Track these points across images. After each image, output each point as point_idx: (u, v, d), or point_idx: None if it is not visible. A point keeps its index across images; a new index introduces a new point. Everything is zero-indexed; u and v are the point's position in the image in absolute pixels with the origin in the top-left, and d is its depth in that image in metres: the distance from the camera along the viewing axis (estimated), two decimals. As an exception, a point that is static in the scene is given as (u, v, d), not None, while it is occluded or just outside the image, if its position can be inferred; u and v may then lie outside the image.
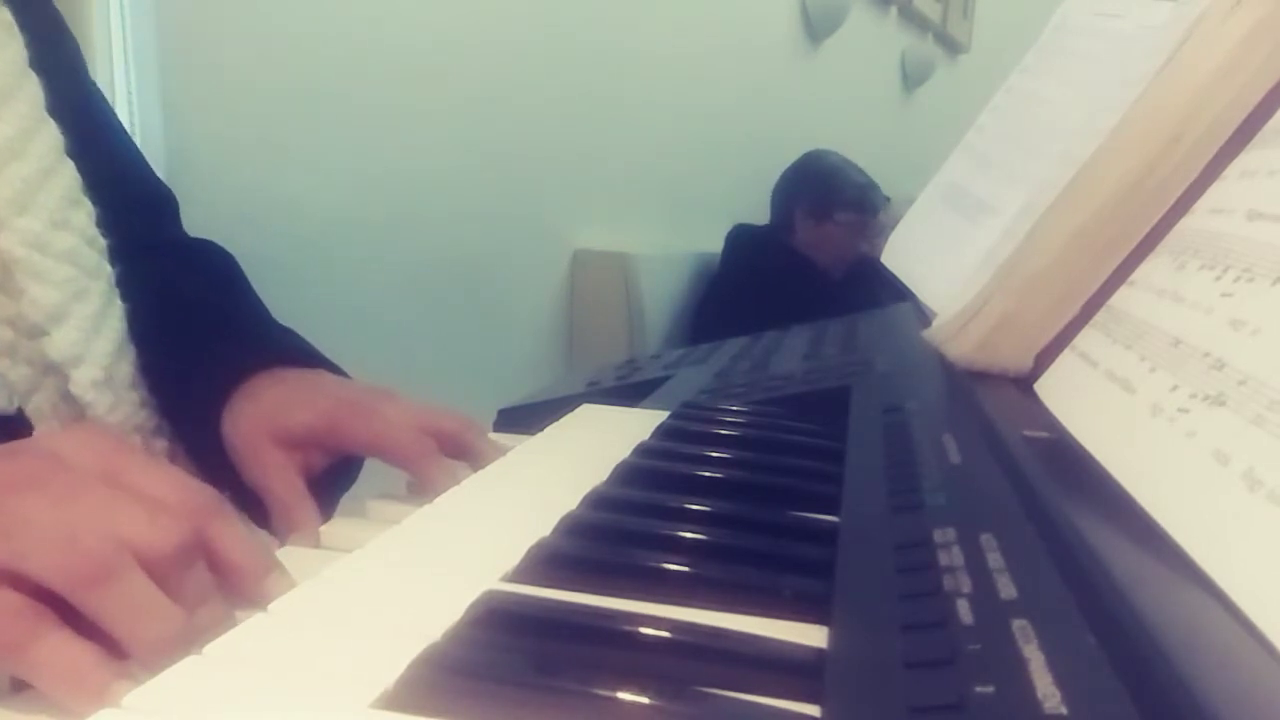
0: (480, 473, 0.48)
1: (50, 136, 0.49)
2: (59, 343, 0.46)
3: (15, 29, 0.49)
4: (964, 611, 0.27)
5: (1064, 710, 0.22)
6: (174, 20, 1.09)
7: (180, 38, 1.10)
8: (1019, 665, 0.24)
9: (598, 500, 0.42)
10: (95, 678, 0.28)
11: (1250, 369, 0.30)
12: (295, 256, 1.25)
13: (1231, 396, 0.30)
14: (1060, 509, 0.32)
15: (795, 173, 2.18)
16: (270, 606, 0.31)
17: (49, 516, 0.30)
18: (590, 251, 1.85)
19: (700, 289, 2.08)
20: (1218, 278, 0.36)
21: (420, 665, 0.27)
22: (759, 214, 2.19)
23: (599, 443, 0.51)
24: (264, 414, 0.51)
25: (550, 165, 1.74)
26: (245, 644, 0.29)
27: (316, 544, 0.44)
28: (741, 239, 2.11)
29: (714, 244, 2.11)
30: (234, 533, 0.34)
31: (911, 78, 3.28)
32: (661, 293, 1.95)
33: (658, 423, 0.55)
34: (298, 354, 0.55)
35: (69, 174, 0.49)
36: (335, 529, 0.45)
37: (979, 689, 0.23)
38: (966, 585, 0.29)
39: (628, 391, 0.68)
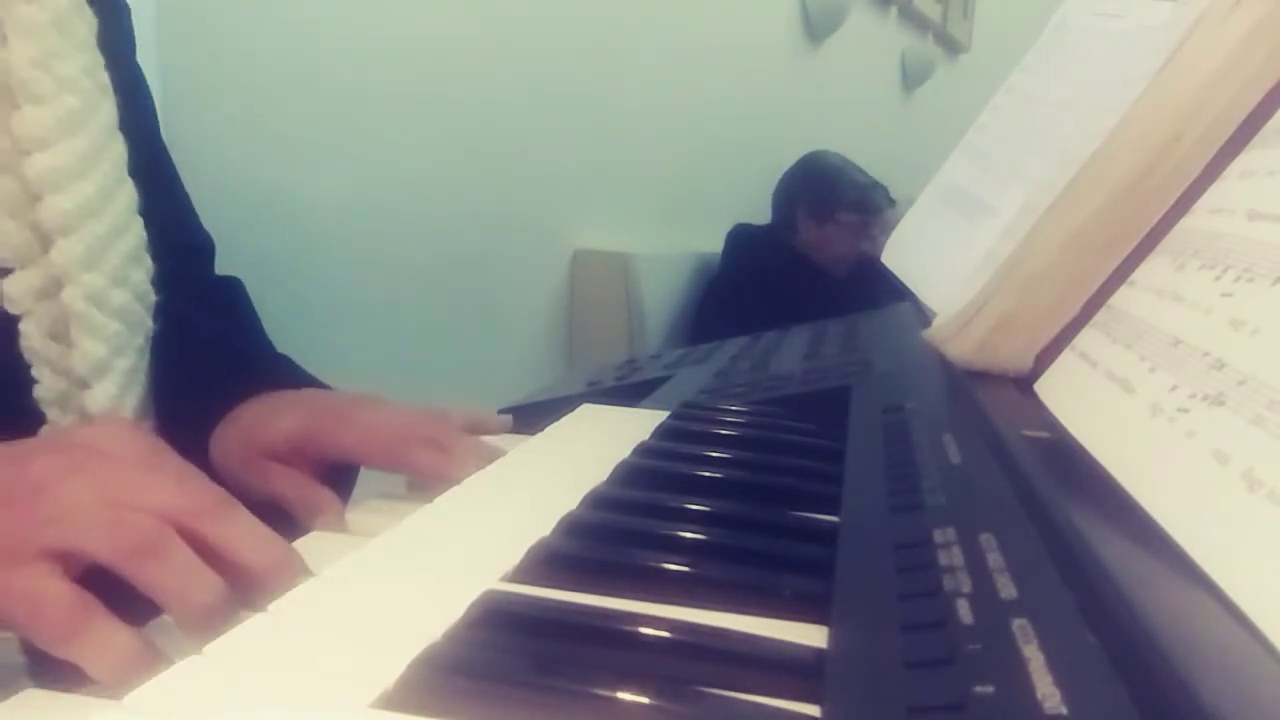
0: (480, 473, 0.48)
1: (128, 196, 0.50)
2: (99, 396, 0.48)
3: (110, 90, 0.50)
4: (964, 611, 0.27)
5: (1064, 710, 0.22)
6: (174, 18, 1.09)
7: (180, 35, 1.10)
8: (1019, 665, 0.24)
9: (598, 500, 0.42)
10: (141, 664, 0.29)
11: (1250, 369, 0.30)
12: (295, 255, 1.25)
13: (1231, 396, 0.30)
14: (1060, 509, 0.32)
15: (797, 173, 2.18)
16: (270, 606, 0.31)
17: (91, 498, 0.32)
18: (590, 251, 1.85)
19: (700, 289, 2.08)
20: (1218, 277, 0.36)
21: (420, 665, 0.27)
22: (759, 214, 2.19)
23: (599, 442, 0.51)
24: (245, 432, 0.52)
25: (550, 165, 1.74)
26: (245, 644, 0.29)
27: (344, 527, 0.45)
28: (742, 239, 2.11)
29: (714, 244, 2.11)
30: (248, 525, 0.36)
31: (911, 78, 3.28)
32: (661, 293, 1.95)
33: (658, 423, 0.55)
34: (284, 380, 0.56)
35: (137, 232, 0.51)
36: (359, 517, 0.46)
37: (979, 689, 0.23)
38: (966, 585, 0.29)
39: (628, 391, 0.68)
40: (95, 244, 0.47)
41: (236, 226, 0.77)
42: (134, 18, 0.61)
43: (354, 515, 0.46)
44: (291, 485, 0.49)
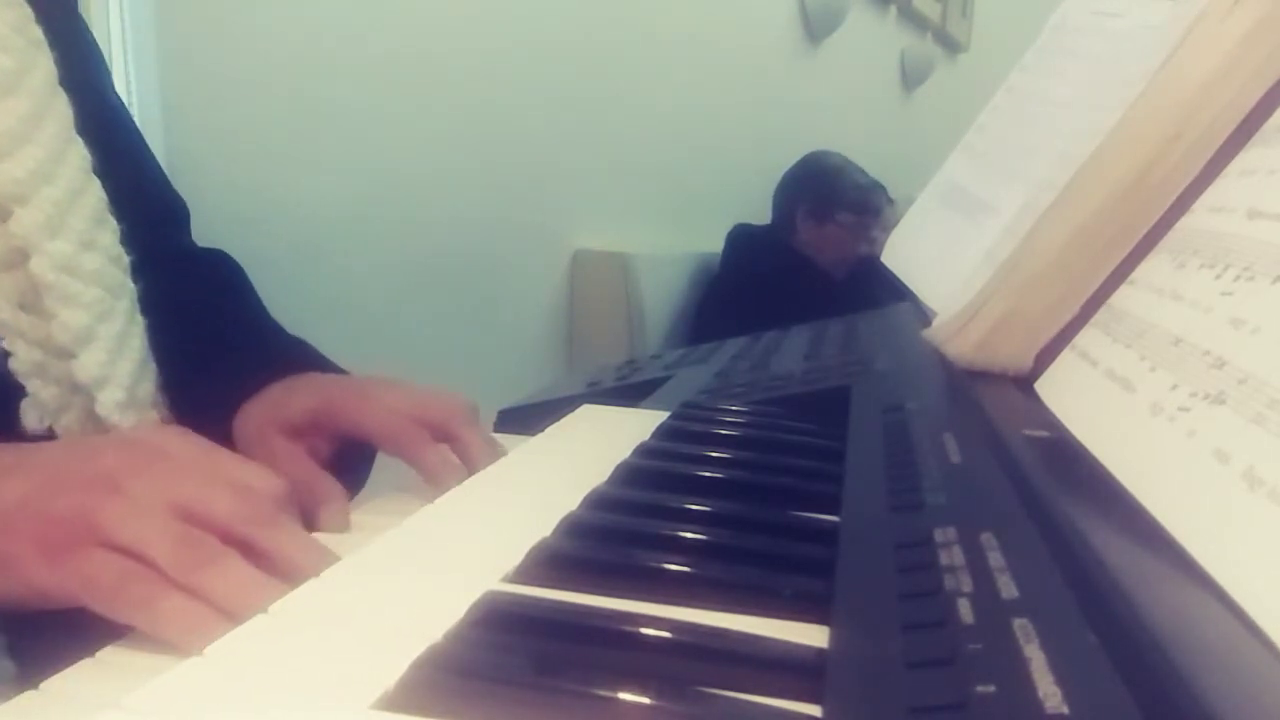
0: (481, 473, 0.48)
1: (79, 156, 0.49)
2: (87, 365, 0.47)
3: (46, 46, 0.48)
4: (965, 611, 0.27)
5: (1065, 710, 0.22)
6: (174, 20, 1.09)
7: (180, 38, 1.10)
8: (1020, 665, 0.24)
9: (598, 500, 0.42)
10: (216, 631, 0.31)
11: (1250, 367, 0.30)
12: (295, 256, 1.25)
13: (1232, 395, 0.30)
14: (1061, 508, 0.32)
15: (797, 173, 2.18)
16: (271, 607, 0.31)
17: (159, 501, 0.34)
18: (590, 251, 1.85)
19: (700, 289, 2.08)
20: (1218, 276, 0.36)
21: (421, 666, 0.27)
22: (759, 214, 2.19)
23: (599, 443, 0.51)
24: (266, 408, 0.52)
25: (550, 165, 1.74)
26: (245, 644, 0.29)
27: (347, 520, 0.45)
28: (742, 239, 2.11)
29: (714, 244, 2.11)
30: (295, 531, 0.38)
31: (911, 77, 3.28)
32: (661, 293, 1.95)
33: (658, 423, 0.55)
34: (309, 365, 0.56)
35: (96, 193, 0.49)
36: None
37: (980, 689, 0.23)
38: (967, 585, 0.29)
39: (628, 391, 0.68)
40: (54, 210, 0.46)
41: (237, 228, 0.77)
42: (133, 23, 0.60)
43: (358, 516, 0.46)
44: (296, 467, 0.49)
